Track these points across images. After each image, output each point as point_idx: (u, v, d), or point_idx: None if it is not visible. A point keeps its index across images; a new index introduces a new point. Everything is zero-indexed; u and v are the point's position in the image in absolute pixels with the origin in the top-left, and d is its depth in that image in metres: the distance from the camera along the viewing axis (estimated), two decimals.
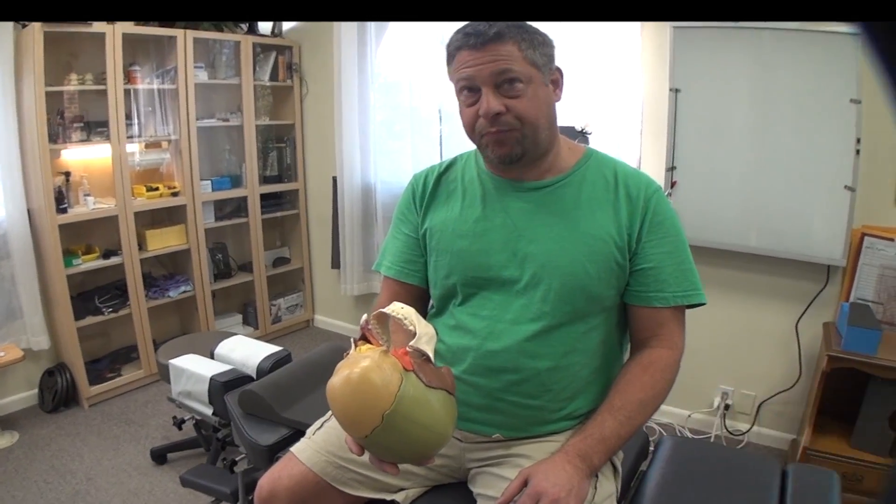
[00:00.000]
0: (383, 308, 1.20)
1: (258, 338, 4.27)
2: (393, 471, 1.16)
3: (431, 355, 1.13)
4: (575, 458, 1.28)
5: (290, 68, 4.32)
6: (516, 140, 1.32)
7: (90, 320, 3.53)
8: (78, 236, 3.52)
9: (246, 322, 4.51)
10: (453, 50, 1.33)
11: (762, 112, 2.70)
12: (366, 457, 1.16)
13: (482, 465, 1.45)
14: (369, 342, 1.16)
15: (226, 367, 2.46)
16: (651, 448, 1.72)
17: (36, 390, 3.56)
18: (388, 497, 1.48)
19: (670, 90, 2.87)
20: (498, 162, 1.38)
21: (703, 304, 1.40)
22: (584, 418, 1.41)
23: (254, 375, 2.44)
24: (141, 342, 3.74)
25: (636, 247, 1.37)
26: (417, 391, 1.07)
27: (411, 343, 1.12)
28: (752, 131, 2.73)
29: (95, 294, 3.59)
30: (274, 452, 1.91)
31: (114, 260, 3.57)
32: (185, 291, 3.97)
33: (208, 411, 2.44)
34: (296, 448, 1.56)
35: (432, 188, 1.55)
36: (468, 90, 1.33)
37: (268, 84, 4.28)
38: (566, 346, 1.38)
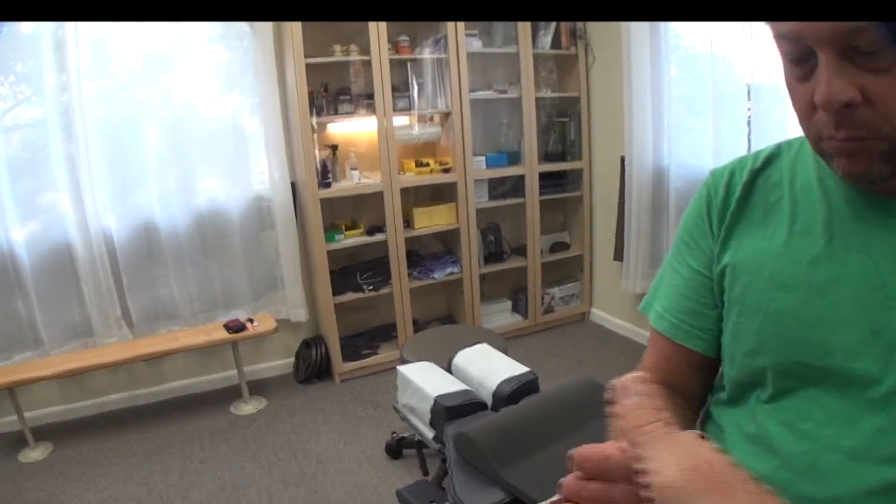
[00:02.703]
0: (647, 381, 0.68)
1: (527, 328, 4.03)
2: None
3: None
4: None
5: (573, 35, 3.86)
6: (882, 153, 0.69)
7: (350, 296, 3.45)
8: (344, 210, 3.45)
9: (515, 309, 4.20)
10: None
11: None
12: None
13: None
14: None
15: (457, 387, 2.12)
16: None
17: (292, 359, 3.57)
18: None
19: None
20: (849, 181, 0.77)
21: None
22: None
23: (489, 402, 2.08)
24: (400, 322, 3.60)
25: None
26: None
27: None
28: None
29: (357, 270, 3.50)
30: None
31: (378, 237, 3.44)
32: (451, 273, 3.75)
33: (429, 435, 2.12)
34: None
35: (741, 196, 0.91)
36: (794, 54, 0.71)
37: (549, 52, 3.87)
38: None
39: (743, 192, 0.91)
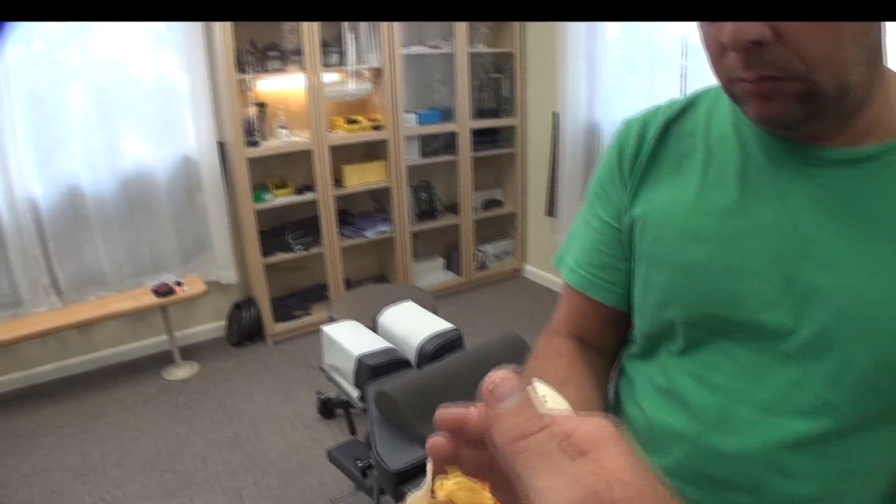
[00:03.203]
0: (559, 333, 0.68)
1: (460, 285, 4.04)
2: None
3: None
4: None
5: None
6: (796, 94, 0.66)
7: (280, 256, 3.41)
8: (272, 169, 3.39)
9: (448, 267, 4.22)
10: None
11: None
12: None
13: None
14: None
15: (380, 346, 2.12)
16: None
17: (223, 322, 3.54)
18: None
19: None
20: (764, 126, 0.75)
21: None
22: None
23: (413, 359, 2.09)
24: (332, 282, 3.58)
25: None
26: None
27: None
28: None
29: (287, 230, 3.45)
30: (400, 481, 1.55)
31: (308, 196, 3.39)
32: (383, 232, 3.73)
33: (354, 394, 2.13)
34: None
35: (653, 146, 0.88)
36: None
37: None
38: (850, 464, 0.75)
39: (656, 142, 0.88)
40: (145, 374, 3.17)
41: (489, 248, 4.30)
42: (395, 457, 1.61)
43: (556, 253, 1.04)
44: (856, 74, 0.65)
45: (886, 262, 0.69)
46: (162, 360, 3.27)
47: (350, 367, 2.09)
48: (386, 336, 2.24)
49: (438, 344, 2.11)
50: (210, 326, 3.52)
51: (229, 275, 3.36)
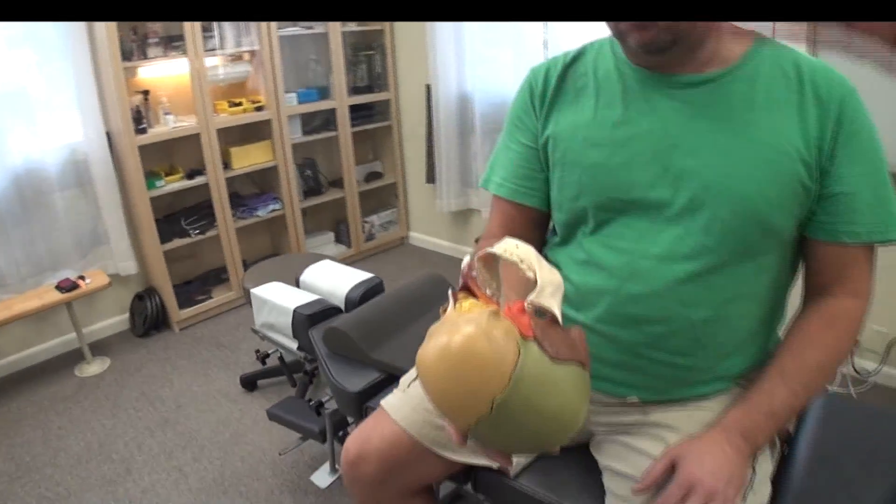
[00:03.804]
0: (492, 246, 0.89)
1: (351, 257, 4.15)
2: (504, 462, 0.90)
3: (559, 313, 0.83)
4: (737, 437, 1.02)
5: None
6: (665, 25, 0.97)
7: (177, 243, 3.41)
8: (161, 157, 3.38)
9: (338, 240, 4.34)
10: None
11: None
12: None
13: (611, 431, 1.20)
14: (474, 295, 0.88)
15: (311, 298, 2.25)
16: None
17: (127, 315, 3.51)
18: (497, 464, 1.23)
19: None
20: (642, 51, 1.02)
21: None
22: (738, 379, 1.14)
23: (342, 306, 2.23)
24: (230, 264, 3.62)
25: (827, 164, 1.01)
26: (540, 368, 0.77)
27: (531, 297, 0.82)
28: None
29: (182, 216, 3.46)
30: (363, 400, 1.69)
31: (199, 180, 3.41)
32: (274, 210, 3.80)
33: (293, 346, 2.25)
34: (388, 403, 1.34)
35: (556, 84, 1.20)
36: None
37: None
38: (729, 292, 1.07)
39: (558, 81, 1.21)
40: (58, 375, 3.11)
41: (375, 219, 4.45)
42: (354, 381, 1.74)
43: (482, 177, 1.33)
44: None
45: (729, 146, 1.02)
46: (71, 358, 3.21)
47: (286, 321, 2.20)
48: (312, 291, 2.36)
49: (364, 290, 2.26)
50: (114, 320, 3.47)
51: (128, 266, 3.33)
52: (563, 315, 0.87)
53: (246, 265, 3.69)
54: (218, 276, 3.72)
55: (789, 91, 1.02)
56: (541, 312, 0.82)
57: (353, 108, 4.06)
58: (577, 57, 1.21)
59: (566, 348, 0.81)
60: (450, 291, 0.90)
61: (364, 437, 1.31)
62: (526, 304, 0.81)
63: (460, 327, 0.78)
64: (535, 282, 0.84)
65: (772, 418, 1.04)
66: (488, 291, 0.88)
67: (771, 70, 1.04)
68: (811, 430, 1.23)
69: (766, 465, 1.09)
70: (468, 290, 0.89)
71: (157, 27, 3.13)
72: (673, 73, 1.06)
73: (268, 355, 2.69)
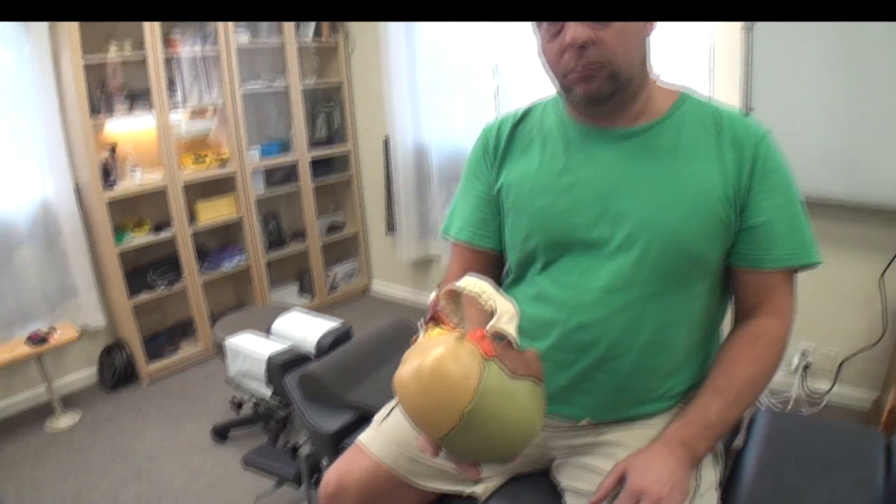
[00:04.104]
0: (455, 282, 1.02)
1: (316, 307, 4.22)
2: (473, 474, 1.02)
3: (515, 337, 0.96)
4: (677, 447, 1.14)
5: (333, 26, 4.13)
6: (607, 76, 1.12)
7: (145, 296, 3.46)
8: (128, 211, 3.43)
9: (302, 291, 4.41)
10: None
11: (848, 44, 2.41)
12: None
13: (568, 453, 1.31)
14: (441, 323, 1.01)
15: (283, 346, 2.34)
16: (745, 423, 1.53)
17: (96, 368, 3.53)
18: (467, 491, 1.34)
19: (743, 27, 2.62)
20: (586, 101, 1.17)
21: (818, 265, 1.21)
22: (681, 397, 1.27)
23: (313, 354, 2.32)
24: (198, 316, 3.67)
25: (745, 200, 1.18)
26: (501, 383, 0.91)
27: (490, 324, 0.94)
28: (838, 65, 2.45)
29: (149, 269, 3.52)
30: (339, 440, 1.78)
31: (165, 234, 3.48)
32: (239, 263, 3.88)
33: (267, 393, 2.33)
34: (364, 438, 1.44)
35: (507, 140, 1.37)
36: (549, 25, 1.14)
37: (312, 43, 4.10)
38: (666, 318, 1.21)
39: (508, 137, 1.37)
40: (27, 429, 3.11)
41: (338, 269, 4.55)
42: (329, 422, 1.83)
43: (443, 224, 1.49)
44: (636, 68, 1.15)
45: (659, 188, 1.18)
46: (41, 411, 3.22)
47: (260, 369, 2.29)
48: (283, 339, 2.44)
49: (333, 338, 2.36)
50: (82, 374, 3.49)
51: (97, 318, 3.36)
52: (519, 345, 0.99)
53: (213, 317, 3.74)
54: (184, 329, 3.77)
55: (709, 138, 1.20)
56: (499, 337, 0.95)
57: (315, 162, 4.18)
58: (525, 115, 1.38)
59: (522, 366, 0.94)
60: (420, 322, 1.03)
61: (343, 470, 1.40)
62: (486, 330, 0.94)
63: (431, 350, 0.91)
64: (494, 311, 0.96)
65: (709, 429, 1.17)
66: (454, 321, 1.02)
67: (693, 120, 1.21)
68: (758, 442, 1.36)
69: (709, 474, 1.21)
70: (435, 321, 1.02)
71: (122, 82, 3.24)
72: (609, 127, 1.23)
73: (242, 403, 2.75)
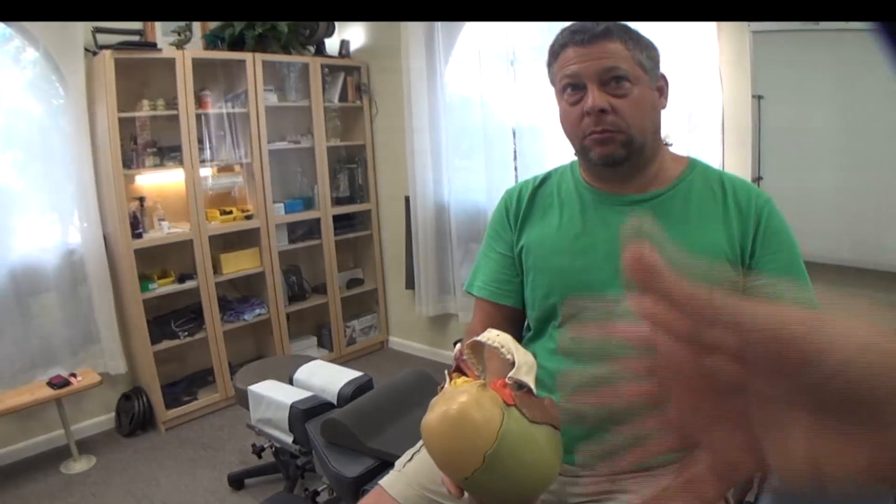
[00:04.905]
0: (477, 335, 1.10)
1: (333, 360, 4.24)
2: None
3: (533, 386, 1.02)
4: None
5: (358, 89, 4.29)
6: (622, 142, 1.23)
7: (166, 344, 3.52)
8: (153, 261, 3.52)
9: (321, 344, 4.46)
10: (558, 48, 1.27)
11: (854, 114, 2.49)
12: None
13: (585, 500, 1.34)
14: (464, 374, 1.07)
15: (306, 394, 2.38)
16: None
17: (113, 414, 3.57)
18: None
19: (753, 97, 2.71)
20: (602, 163, 1.27)
21: None
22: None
23: (335, 402, 2.36)
24: (217, 366, 3.71)
25: (749, 262, 1.26)
26: (521, 427, 0.96)
27: (510, 374, 1.02)
28: (844, 134, 2.52)
29: (171, 318, 3.59)
30: (360, 485, 1.82)
31: (189, 284, 3.56)
32: (259, 314, 3.94)
33: (288, 439, 2.36)
34: (386, 482, 1.47)
35: (527, 203, 1.46)
36: (572, 88, 1.25)
37: (337, 105, 4.26)
38: None
39: (528, 200, 1.46)
40: (43, 471, 3.13)
41: (356, 324, 4.59)
42: (351, 468, 1.87)
43: (466, 281, 1.58)
44: (649, 136, 1.26)
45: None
46: (56, 456, 3.24)
47: (283, 416, 2.33)
48: (305, 388, 2.49)
49: (355, 387, 2.40)
50: (100, 419, 3.52)
51: (118, 365, 3.41)
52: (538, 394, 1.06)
53: (232, 367, 3.79)
54: (204, 378, 3.81)
55: (716, 203, 1.28)
56: (519, 385, 1.01)
57: (336, 218, 4.28)
58: (544, 180, 1.48)
59: (541, 413, 1.00)
60: (446, 371, 1.09)
61: None
62: (507, 380, 1.01)
63: (456, 397, 0.97)
64: (514, 362, 1.04)
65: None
66: (477, 371, 1.09)
67: (701, 187, 1.30)
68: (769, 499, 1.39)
69: None
70: (460, 371, 1.08)
71: (152, 137, 3.37)
72: (622, 194, 1.33)
73: (263, 449, 2.78)
